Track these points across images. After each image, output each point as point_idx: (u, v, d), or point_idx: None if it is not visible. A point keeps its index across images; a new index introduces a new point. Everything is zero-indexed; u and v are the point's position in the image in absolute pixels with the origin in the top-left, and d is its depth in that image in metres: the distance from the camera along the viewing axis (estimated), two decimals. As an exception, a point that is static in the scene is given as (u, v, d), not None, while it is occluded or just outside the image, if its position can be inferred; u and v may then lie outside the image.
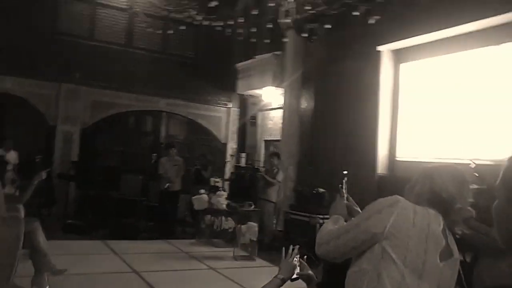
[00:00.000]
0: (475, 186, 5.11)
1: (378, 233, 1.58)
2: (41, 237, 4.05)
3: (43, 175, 4.37)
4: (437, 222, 1.61)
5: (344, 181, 2.23)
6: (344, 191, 2.20)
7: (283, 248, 2.23)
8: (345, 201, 2.18)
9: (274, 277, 2.07)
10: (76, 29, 11.10)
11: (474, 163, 5.97)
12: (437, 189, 1.66)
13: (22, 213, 4.30)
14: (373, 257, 1.59)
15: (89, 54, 10.86)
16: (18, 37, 9.72)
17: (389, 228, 1.56)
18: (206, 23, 11.38)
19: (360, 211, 2.12)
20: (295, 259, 2.13)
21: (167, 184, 8.71)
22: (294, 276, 2.13)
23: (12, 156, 8.55)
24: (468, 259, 3.48)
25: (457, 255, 1.68)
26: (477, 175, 5.72)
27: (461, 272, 1.77)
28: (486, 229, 3.18)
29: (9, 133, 9.42)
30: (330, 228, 1.83)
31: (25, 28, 9.83)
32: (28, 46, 9.83)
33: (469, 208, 1.67)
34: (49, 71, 10.23)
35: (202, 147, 12.18)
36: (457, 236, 1.75)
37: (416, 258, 1.55)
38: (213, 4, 9.02)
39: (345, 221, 1.93)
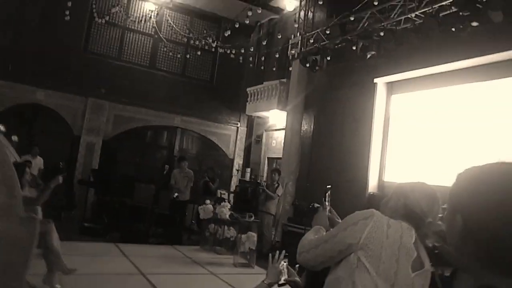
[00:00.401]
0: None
1: (353, 243, 1.54)
2: (55, 238, 3.95)
3: (60, 179, 4.28)
4: (409, 235, 1.56)
5: (327, 194, 2.16)
6: (326, 203, 2.14)
7: (270, 254, 2.22)
8: (328, 213, 2.13)
9: (261, 281, 2.04)
10: (105, 49, 11.20)
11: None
12: (410, 205, 1.63)
13: (39, 214, 4.22)
14: (349, 266, 1.55)
15: (116, 72, 11.00)
16: (52, 54, 9.86)
17: (363, 239, 1.53)
18: (221, 50, 11.52)
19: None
20: (282, 264, 2.09)
21: (176, 194, 8.62)
22: (281, 281, 2.08)
23: (38, 162, 8.54)
24: (446, 273, 3.37)
25: (428, 266, 1.61)
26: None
27: (439, 286, 1.71)
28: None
29: (38, 140, 9.41)
30: (311, 238, 1.79)
31: (59, 46, 9.97)
32: (61, 62, 9.94)
33: (439, 222, 1.60)
34: (78, 86, 10.31)
35: (212, 161, 12.15)
36: (429, 246, 1.71)
37: (389, 268, 1.51)
38: (228, 33, 9.06)
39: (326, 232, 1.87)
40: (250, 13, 8.32)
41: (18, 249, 3.58)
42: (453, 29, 5.92)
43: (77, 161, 10.24)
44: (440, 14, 6.10)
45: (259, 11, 10.00)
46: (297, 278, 2.08)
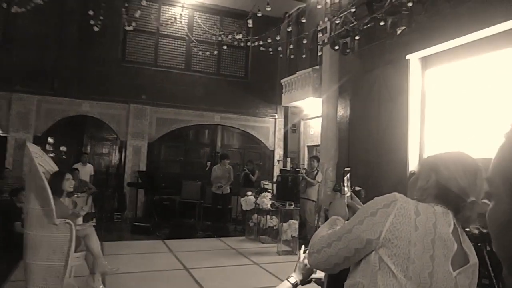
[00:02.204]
0: None
1: (373, 239, 1.16)
2: (95, 241, 3.93)
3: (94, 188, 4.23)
4: (446, 222, 1.18)
5: (345, 178, 1.72)
6: (346, 188, 1.71)
7: (302, 246, 1.74)
8: (349, 200, 1.66)
9: (286, 279, 1.64)
10: (141, 57, 11.32)
11: None
12: (444, 182, 1.23)
13: (79, 219, 4.21)
14: (369, 269, 1.17)
15: (153, 78, 11.13)
16: (92, 66, 10.16)
17: (385, 233, 1.14)
18: (252, 45, 11.28)
19: None
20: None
21: (218, 184, 8.53)
22: (313, 277, 1.69)
23: (88, 169, 8.76)
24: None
25: (474, 259, 1.22)
26: None
27: (488, 262, 1.30)
28: None
29: (88, 149, 9.70)
30: (323, 233, 1.36)
31: (98, 59, 10.25)
32: (101, 74, 10.19)
33: (485, 201, 1.17)
34: (119, 94, 10.52)
35: (253, 154, 12.03)
36: (475, 233, 1.28)
37: (421, 268, 1.12)
38: (250, 24, 8.82)
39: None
40: (268, 7, 7.99)
41: (57, 253, 3.58)
42: None
43: (126, 165, 10.45)
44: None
45: None
46: None
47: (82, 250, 3.93)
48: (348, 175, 1.73)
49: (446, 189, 1.22)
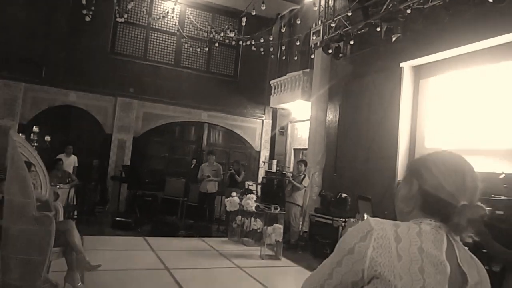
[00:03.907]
0: (503, 197, 4.39)
1: (357, 281, 1.00)
2: (75, 235, 3.77)
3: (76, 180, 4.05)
4: (436, 241, 1.02)
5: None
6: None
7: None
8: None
9: None
10: (131, 50, 11.09)
11: (504, 173, 5.25)
12: (428, 189, 1.06)
13: (60, 213, 4.04)
14: None
15: (142, 72, 10.95)
16: (81, 57, 9.92)
17: (367, 271, 0.98)
18: (244, 44, 11.18)
19: None
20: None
21: (207, 174, 8.43)
22: None
23: (72, 160, 8.53)
24: (495, 268, 2.80)
25: (475, 278, 1.04)
26: (505, 186, 4.97)
27: None
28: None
29: (72, 140, 9.44)
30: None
31: (87, 49, 10.01)
32: (90, 65, 9.96)
33: (479, 203, 1.03)
34: (107, 86, 10.30)
35: (239, 154, 11.94)
36: (470, 243, 1.10)
37: None
38: (243, 22, 8.73)
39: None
40: (263, 6, 7.91)
41: (35, 248, 3.41)
42: (490, 0, 5.26)
43: (110, 158, 10.23)
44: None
45: None
46: None
47: (62, 245, 3.76)
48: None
49: (432, 196, 1.05)
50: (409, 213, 1.10)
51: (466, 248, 1.09)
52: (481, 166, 5.75)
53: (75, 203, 7.58)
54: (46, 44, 9.64)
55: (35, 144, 9.26)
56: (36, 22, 9.55)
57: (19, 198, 3.36)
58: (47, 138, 9.65)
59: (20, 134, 8.18)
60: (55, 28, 9.77)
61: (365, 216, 6.52)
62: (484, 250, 2.59)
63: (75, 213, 7.61)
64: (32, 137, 9.46)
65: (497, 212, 2.97)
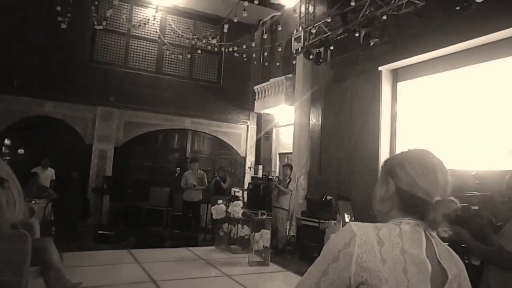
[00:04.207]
0: (476, 193, 4.55)
1: None
2: (53, 253, 3.61)
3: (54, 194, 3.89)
4: (416, 240, 1.04)
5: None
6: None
7: None
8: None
9: None
10: (111, 57, 10.92)
11: (475, 170, 5.45)
12: (404, 187, 1.08)
13: (37, 230, 3.87)
14: None
15: (123, 80, 10.80)
16: (58, 65, 9.68)
17: (354, 278, 0.99)
18: (226, 50, 11.14)
19: None
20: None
21: (192, 182, 8.35)
22: None
23: (49, 173, 8.28)
24: (475, 262, 2.88)
25: (453, 271, 1.07)
26: (477, 182, 5.17)
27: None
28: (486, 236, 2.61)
29: (49, 152, 9.15)
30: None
31: (64, 57, 9.79)
32: (67, 73, 9.75)
33: (451, 198, 1.06)
34: (86, 95, 10.10)
35: (224, 161, 11.85)
36: (445, 237, 1.10)
37: None
38: (225, 29, 8.69)
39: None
40: (245, 13, 7.87)
41: (9, 267, 3.25)
42: (458, 8, 5.50)
43: (90, 170, 10.01)
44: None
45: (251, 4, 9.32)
46: None
47: (39, 264, 3.60)
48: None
49: (408, 194, 1.08)
50: (388, 213, 1.12)
51: (446, 244, 1.13)
52: (454, 164, 5.97)
53: (52, 218, 7.34)
54: (19, 52, 9.30)
55: (7, 157, 8.94)
56: (8, 29, 9.22)
57: (-9, 216, 3.20)
58: (21, 151, 9.34)
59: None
60: (29, 36, 9.47)
61: (346, 216, 6.50)
62: (463, 245, 2.64)
63: (53, 229, 7.36)
64: (3, 150, 9.11)
65: (473, 207, 3.05)
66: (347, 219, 6.47)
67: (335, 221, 6.45)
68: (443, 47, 6.39)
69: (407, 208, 1.08)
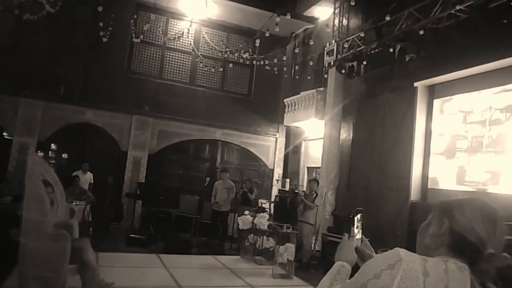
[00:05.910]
0: None
1: None
2: (90, 253, 3.86)
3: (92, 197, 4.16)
4: (461, 280, 1.04)
5: (356, 218, 1.55)
6: (356, 230, 1.54)
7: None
8: (359, 244, 1.51)
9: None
10: (147, 69, 11.39)
11: None
12: (459, 230, 1.10)
13: (75, 231, 4.14)
14: None
15: (158, 90, 11.21)
16: (98, 76, 10.23)
17: None
18: (258, 63, 11.38)
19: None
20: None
21: (215, 201, 8.52)
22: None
23: (88, 177, 8.72)
24: None
25: None
26: None
27: None
28: None
29: (88, 157, 9.67)
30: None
31: (105, 68, 10.32)
32: (106, 83, 10.26)
33: (505, 254, 1.10)
34: (123, 104, 10.57)
35: (252, 172, 12.00)
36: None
37: None
38: (257, 43, 8.91)
39: (353, 268, 1.33)
40: (277, 28, 8.06)
41: (51, 265, 3.51)
42: (505, 21, 5.29)
43: (125, 175, 10.42)
44: (489, 6, 5.40)
45: (287, 17, 9.46)
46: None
47: (77, 262, 3.85)
48: (359, 215, 1.57)
49: (462, 238, 1.09)
50: (435, 250, 1.13)
51: None
52: (494, 188, 5.57)
53: (90, 219, 7.72)
54: (65, 64, 9.99)
55: (53, 161, 9.55)
56: (56, 42, 9.93)
57: (36, 216, 3.48)
58: (64, 155, 9.94)
59: (39, 152, 8.45)
60: (74, 48, 10.15)
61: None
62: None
63: (91, 229, 7.74)
64: (50, 154, 9.75)
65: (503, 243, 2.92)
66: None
67: (348, 234, 6.44)
68: (487, 63, 6.10)
69: (457, 250, 1.10)
